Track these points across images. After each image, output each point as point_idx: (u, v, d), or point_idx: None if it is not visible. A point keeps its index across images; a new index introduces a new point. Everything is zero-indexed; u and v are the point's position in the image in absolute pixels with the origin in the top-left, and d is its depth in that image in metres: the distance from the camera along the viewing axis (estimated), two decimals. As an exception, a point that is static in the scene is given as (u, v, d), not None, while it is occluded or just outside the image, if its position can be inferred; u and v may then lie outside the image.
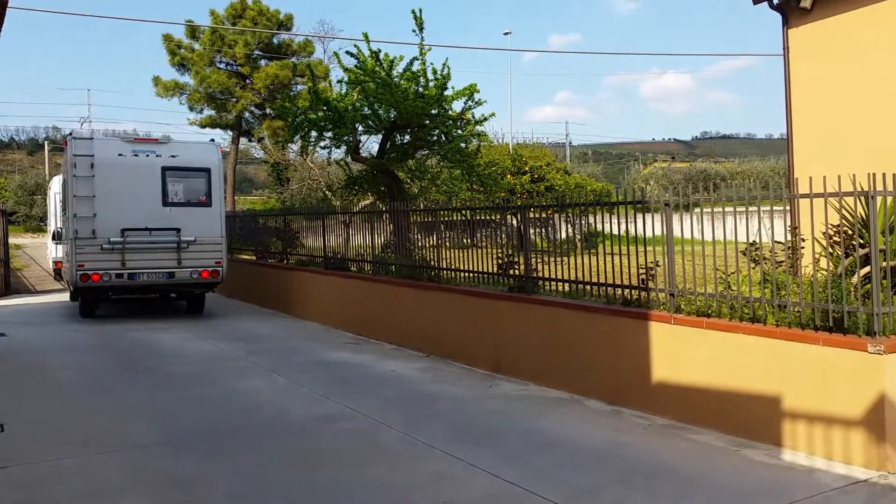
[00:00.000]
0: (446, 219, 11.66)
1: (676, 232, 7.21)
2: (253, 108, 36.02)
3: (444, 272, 10.64)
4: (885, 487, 4.95)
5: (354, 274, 12.99)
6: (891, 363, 5.30)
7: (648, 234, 7.61)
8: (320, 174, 30.49)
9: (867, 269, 5.96)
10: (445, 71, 14.32)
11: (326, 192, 28.97)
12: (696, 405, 6.58)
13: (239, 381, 8.96)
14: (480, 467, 5.56)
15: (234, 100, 34.85)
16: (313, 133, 15.07)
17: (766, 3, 13.83)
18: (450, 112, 14.72)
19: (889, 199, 6.12)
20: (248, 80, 34.89)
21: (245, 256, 18.89)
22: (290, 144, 27.02)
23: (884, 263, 5.79)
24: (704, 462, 5.65)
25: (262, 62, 35.36)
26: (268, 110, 34.14)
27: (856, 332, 5.59)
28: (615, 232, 7.97)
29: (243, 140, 39.21)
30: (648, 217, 7.57)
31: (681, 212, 7.22)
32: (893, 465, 5.20)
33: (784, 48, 13.99)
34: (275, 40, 35.81)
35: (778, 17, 14.23)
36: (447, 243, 11.05)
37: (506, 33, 75.88)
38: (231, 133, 36.97)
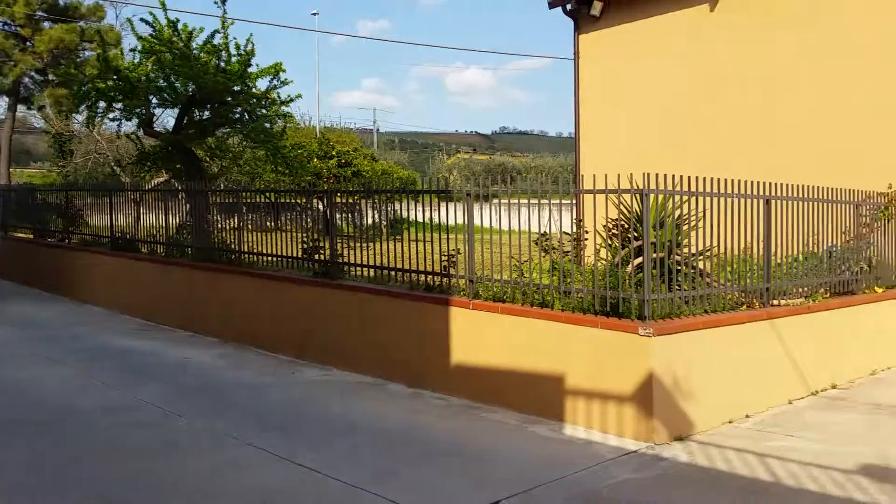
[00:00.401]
0: (249, 201, 11.31)
1: (477, 221, 7.52)
2: (34, 74, 32.62)
3: (246, 256, 10.33)
4: (653, 457, 5.50)
5: (145, 256, 12.23)
6: (658, 345, 5.89)
7: (451, 222, 7.88)
8: (108, 148, 28.31)
9: (640, 259, 6.57)
10: (249, 47, 13.85)
11: (115, 168, 26.98)
12: (491, 385, 6.92)
13: (14, 370, 8.13)
14: (279, 454, 5.48)
15: (12, 63, 31.33)
16: (101, 103, 13.96)
17: (560, 8, 14.74)
18: (254, 90, 14.28)
19: (660, 196, 6.77)
20: (28, 43, 31.47)
21: (21, 235, 17.14)
22: (74, 114, 24.80)
23: (654, 255, 6.42)
24: (496, 439, 5.96)
25: (46, 24, 32.06)
26: (51, 77, 31.05)
27: (629, 317, 6.15)
28: (420, 219, 8.16)
29: (21, 108, 35.45)
30: (451, 206, 7.83)
31: (481, 202, 7.54)
32: (660, 436, 5.79)
33: (574, 52, 15.03)
34: (61, 2, 32.60)
35: (571, 22, 15.24)
36: (249, 226, 10.72)
37: (314, 13, 74.29)
38: (7, 100, 33.29)
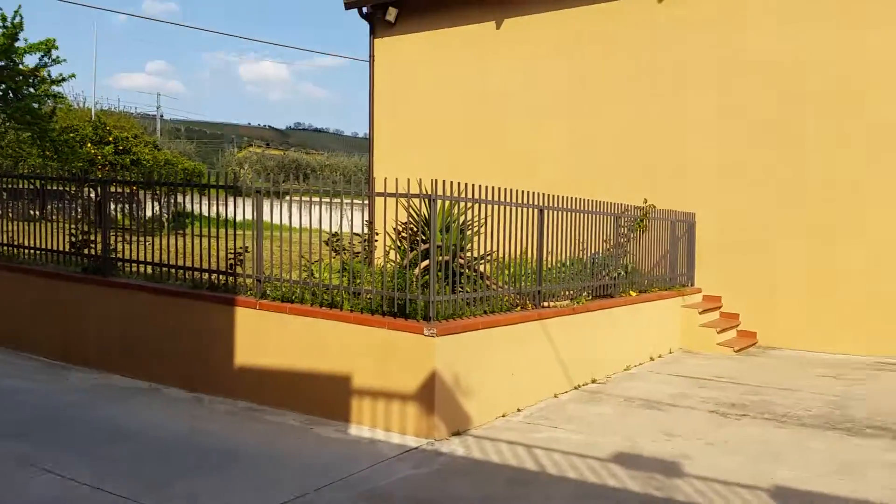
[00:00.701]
0: (10, 186, 10.23)
1: (268, 218, 7.40)
2: None
3: (5, 248, 9.34)
4: (432, 453, 5.73)
5: None
6: (441, 344, 6.15)
7: (240, 218, 7.67)
8: None
9: (427, 262, 6.83)
10: (17, 19, 12.61)
11: None
12: (277, 388, 6.84)
13: None
14: (42, 466, 5.03)
15: None
16: None
17: (356, 10, 14.87)
18: (21, 66, 13.00)
19: (447, 202, 7.08)
20: None
21: None
22: None
23: (440, 258, 6.70)
24: (281, 442, 5.91)
25: None
26: None
27: (415, 318, 6.37)
28: (207, 214, 7.86)
29: None
30: (240, 201, 7.63)
31: (271, 198, 7.41)
32: (440, 433, 6.05)
33: (370, 55, 15.24)
34: None
35: (367, 25, 15.43)
36: (10, 215, 9.71)
37: (93, -13, 68.20)
38: None
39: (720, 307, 11.64)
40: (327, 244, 7.52)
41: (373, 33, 15.17)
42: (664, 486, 5.12)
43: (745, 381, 8.67)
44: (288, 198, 7.55)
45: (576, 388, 7.99)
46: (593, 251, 9.17)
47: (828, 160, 10.98)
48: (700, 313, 10.91)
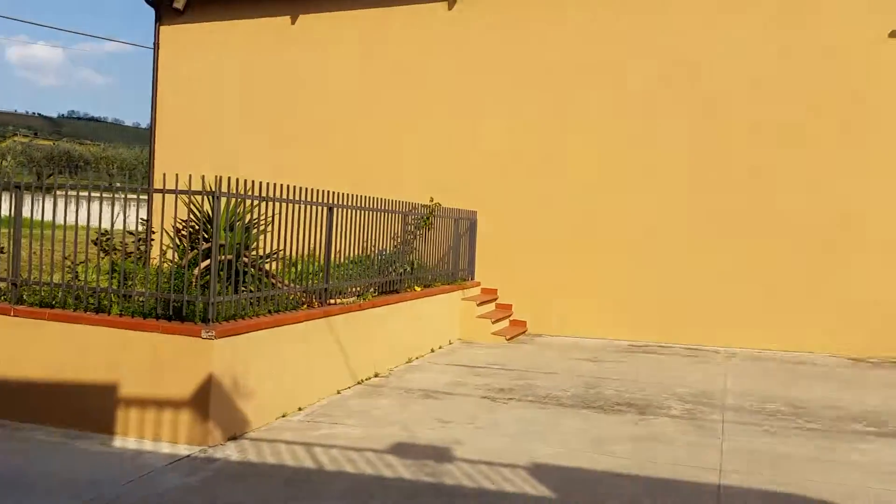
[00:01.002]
0: None
1: (30, 215, 6.81)
2: None
3: None
4: (205, 460, 5.56)
5: None
6: (220, 347, 5.99)
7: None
8: None
9: (208, 261, 6.63)
10: None
11: None
12: (35, 402, 6.31)
13: None
14: None
15: None
16: None
17: (139, -6, 14.06)
18: None
19: (232, 200, 6.91)
20: None
21: None
22: None
23: (222, 257, 6.53)
24: (36, 460, 5.47)
25: None
26: None
27: (194, 320, 6.15)
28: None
29: None
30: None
31: (32, 193, 6.84)
32: (214, 438, 5.88)
33: (155, 42, 14.49)
34: None
35: (152, 10, 14.66)
36: None
37: None
38: None
39: (496, 299, 12.39)
40: (96, 243, 7.07)
41: (159, 20, 14.44)
42: (435, 471, 5.40)
43: (513, 367, 9.33)
44: (58, 192, 7.00)
45: (359, 383, 8.15)
46: (381, 248, 9.39)
47: (592, 162, 12.04)
48: (478, 305, 11.54)
